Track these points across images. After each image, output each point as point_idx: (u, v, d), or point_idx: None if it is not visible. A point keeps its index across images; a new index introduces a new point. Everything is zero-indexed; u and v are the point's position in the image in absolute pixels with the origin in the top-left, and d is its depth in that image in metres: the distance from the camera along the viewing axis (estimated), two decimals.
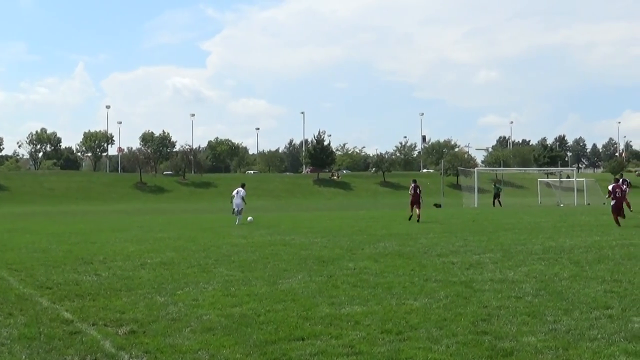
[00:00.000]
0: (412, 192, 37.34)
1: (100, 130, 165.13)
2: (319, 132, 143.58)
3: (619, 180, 31.94)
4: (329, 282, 13.11)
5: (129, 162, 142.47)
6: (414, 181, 38.63)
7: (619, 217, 28.88)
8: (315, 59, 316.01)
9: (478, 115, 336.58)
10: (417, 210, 36.03)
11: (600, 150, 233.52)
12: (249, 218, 37.63)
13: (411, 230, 27.48)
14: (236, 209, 38.29)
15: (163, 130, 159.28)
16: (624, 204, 32.27)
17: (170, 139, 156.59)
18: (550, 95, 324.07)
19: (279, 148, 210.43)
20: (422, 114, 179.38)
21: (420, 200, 36.77)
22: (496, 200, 61.62)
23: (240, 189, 39.48)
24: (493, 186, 65.44)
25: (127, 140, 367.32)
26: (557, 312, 9.82)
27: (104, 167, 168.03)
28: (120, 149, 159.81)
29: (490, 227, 28.91)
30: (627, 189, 36.67)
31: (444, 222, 33.49)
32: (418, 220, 34.81)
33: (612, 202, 29.67)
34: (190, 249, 20.62)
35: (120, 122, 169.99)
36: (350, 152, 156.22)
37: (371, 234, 25.75)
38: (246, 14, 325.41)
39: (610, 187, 30.61)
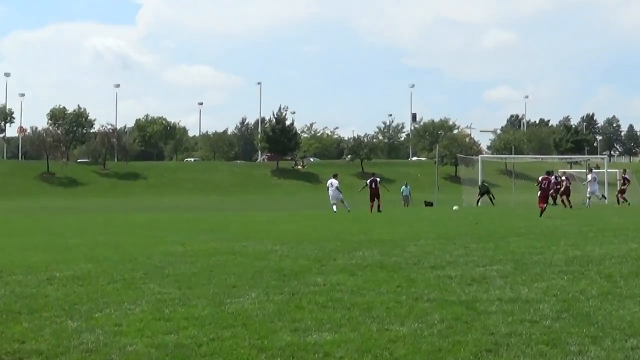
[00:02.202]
0: (370, 185, 52.01)
1: None
2: (280, 108, 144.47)
3: (549, 174, 44.51)
4: (292, 301, 13.10)
5: (33, 146, 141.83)
6: (373, 174, 55.90)
7: (543, 208, 40.51)
8: (279, 15, 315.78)
9: (484, 88, 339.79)
10: (377, 202, 50.81)
11: (639, 134, 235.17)
12: (455, 207, 53.27)
13: (397, 235, 27.54)
14: (334, 201, 50.93)
15: (78, 106, 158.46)
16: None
17: (88, 116, 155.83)
18: (575, 63, 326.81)
19: (227, 129, 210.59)
20: (413, 86, 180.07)
21: (380, 192, 51.89)
22: (483, 197, 64.76)
23: (332, 180, 52.27)
24: (481, 185, 66.82)
25: (31, 118, 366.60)
26: (584, 340, 9.90)
27: (1, 152, 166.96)
28: (21, 129, 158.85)
29: (498, 231, 29.06)
30: (568, 183, 55.48)
31: (440, 225, 33.65)
32: (379, 210, 49.42)
33: (538, 192, 42.22)
34: (112, 259, 20.50)
35: (22, 95, 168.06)
36: (319, 134, 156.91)
37: (346, 239, 25.77)
38: None
39: (539, 178, 43.43)
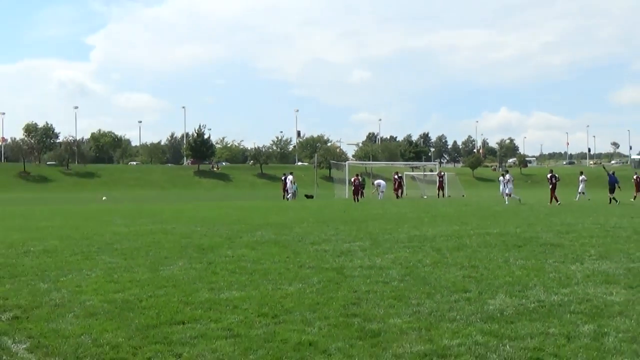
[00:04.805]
0: (354, 183, 51.57)
1: None
2: (200, 125, 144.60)
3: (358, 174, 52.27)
4: (209, 268, 13.01)
5: (13, 151, 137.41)
6: (357, 175, 53.16)
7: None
8: (197, 55, 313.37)
9: (350, 112, 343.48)
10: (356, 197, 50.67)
11: (460, 147, 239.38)
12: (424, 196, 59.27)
13: (286, 219, 27.58)
14: (290, 194, 53.83)
15: (46, 122, 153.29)
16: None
17: (54, 130, 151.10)
18: (416, 95, 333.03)
19: (161, 140, 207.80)
20: (297, 110, 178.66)
21: (361, 190, 52.13)
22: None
23: (290, 176, 55.36)
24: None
25: (10, 130, 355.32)
26: (421, 296, 10.06)
27: None
28: (3, 139, 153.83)
29: (359, 217, 29.33)
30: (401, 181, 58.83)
31: (317, 212, 33.77)
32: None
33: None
34: (74, 237, 20.05)
35: (3, 113, 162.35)
36: (229, 145, 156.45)
37: (249, 223, 25.71)
38: (131, 10, 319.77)
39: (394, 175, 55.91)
